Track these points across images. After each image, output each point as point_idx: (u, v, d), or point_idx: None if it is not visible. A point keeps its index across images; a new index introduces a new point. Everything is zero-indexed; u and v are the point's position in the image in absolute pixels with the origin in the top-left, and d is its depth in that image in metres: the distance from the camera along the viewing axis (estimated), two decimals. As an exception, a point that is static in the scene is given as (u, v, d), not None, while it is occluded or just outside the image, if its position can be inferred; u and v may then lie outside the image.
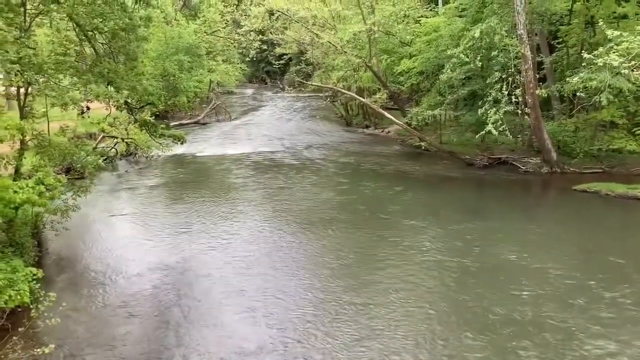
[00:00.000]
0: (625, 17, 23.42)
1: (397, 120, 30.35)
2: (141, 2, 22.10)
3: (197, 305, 11.44)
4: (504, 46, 22.94)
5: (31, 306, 8.97)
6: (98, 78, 14.78)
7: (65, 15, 14.00)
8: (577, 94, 20.80)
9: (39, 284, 9.93)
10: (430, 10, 36.43)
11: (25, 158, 13.44)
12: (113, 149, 27.78)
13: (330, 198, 20.16)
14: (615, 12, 23.43)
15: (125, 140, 27.95)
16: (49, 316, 8.29)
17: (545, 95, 22.74)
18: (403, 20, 35.16)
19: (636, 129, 22.41)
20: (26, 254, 12.69)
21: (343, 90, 39.41)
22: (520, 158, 25.18)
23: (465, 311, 10.76)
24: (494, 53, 23.06)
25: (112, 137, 28.08)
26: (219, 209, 18.82)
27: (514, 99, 21.96)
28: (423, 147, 28.37)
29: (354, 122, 43.86)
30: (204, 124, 44.58)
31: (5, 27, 11.62)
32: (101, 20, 14.30)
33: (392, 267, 13.16)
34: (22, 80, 11.90)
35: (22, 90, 13.46)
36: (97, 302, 11.64)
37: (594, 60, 17.78)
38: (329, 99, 47.29)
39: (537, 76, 23.61)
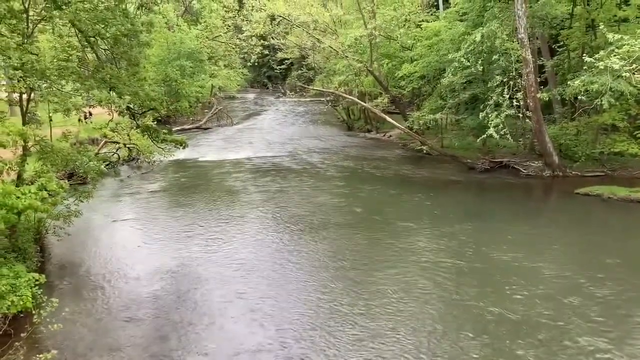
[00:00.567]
0: (625, 20, 23.46)
1: (398, 125, 30.38)
2: (143, 8, 22.21)
3: (199, 309, 11.46)
4: (505, 50, 22.99)
5: (33, 312, 8.96)
6: (100, 84, 14.83)
7: (67, 21, 14.06)
8: (579, 97, 20.83)
9: (41, 290, 9.94)
10: (431, 14, 36.51)
11: (27, 164, 13.48)
12: (115, 154, 27.84)
13: (331, 202, 20.17)
14: (615, 16, 23.48)
15: (128, 145, 27.99)
16: (51, 321, 8.30)
17: (547, 98, 22.76)
18: (404, 25, 35.24)
19: (638, 132, 22.40)
20: (29, 259, 12.73)
21: (344, 95, 39.50)
22: (522, 162, 25.16)
23: (464, 311, 10.79)
24: (495, 57, 23.09)
25: (114, 142, 28.13)
26: (220, 213, 18.85)
27: (515, 103, 21.96)
28: (425, 151, 28.36)
29: (356, 127, 43.91)
30: (205, 128, 44.69)
31: (8, 34, 11.70)
32: (103, 26, 14.37)
33: (392, 268, 13.18)
34: (25, 86, 11.95)
35: (24, 96, 13.53)
36: (99, 307, 11.65)
37: (595, 64, 17.81)
38: (330, 104, 47.40)
39: (538, 80, 23.65)
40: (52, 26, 14.70)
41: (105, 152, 26.96)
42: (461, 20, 28.86)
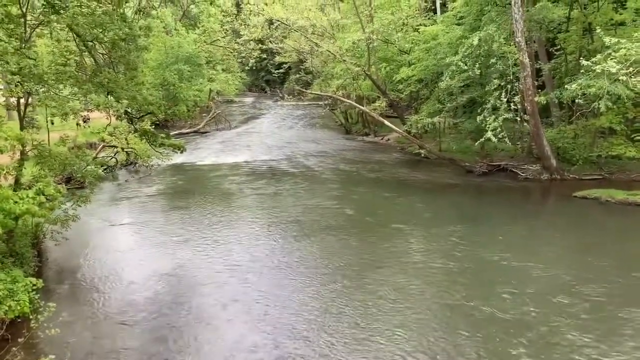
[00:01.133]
0: (622, 24, 23.54)
1: (396, 128, 30.42)
2: (141, 12, 22.26)
3: (195, 311, 11.46)
4: (503, 54, 23.04)
5: (31, 316, 8.95)
6: (98, 88, 14.84)
7: (65, 25, 14.06)
8: (576, 100, 20.87)
9: (38, 294, 9.91)
10: (429, 18, 36.62)
11: (25, 168, 13.45)
12: (113, 159, 27.82)
13: (328, 205, 20.17)
14: (612, 19, 23.55)
15: (125, 149, 28.01)
16: (48, 326, 8.26)
17: (544, 102, 22.81)
18: (402, 29, 35.33)
19: (635, 135, 22.46)
20: (26, 264, 12.69)
21: (342, 99, 39.55)
22: (520, 165, 25.20)
23: (458, 311, 10.81)
24: (493, 60, 23.15)
25: (112, 146, 28.15)
26: (218, 217, 18.84)
27: (512, 106, 22.02)
28: (422, 155, 28.42)
29: (354, 130, 43.97)
30: (204, 132, 44.70)
31: (6, 38, 11.68)
32: (101, 30, 14.36)
33: (387, 270, 13.23)
34: (22, 90, 11.94)
35: (22, 100, 13.52)
36: (97, 312, 11.61)
37: (592, 67, 17.87)
38: (328, 107, 47.43)
39: (536, 83, 23.68)
40: (50, 30, 14.68)
41: (103, 156, 27.00)
42: (459, 24, 28.94)
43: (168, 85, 35.32)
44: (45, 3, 13.50)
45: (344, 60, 35.06)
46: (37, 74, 11.82)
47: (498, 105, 22.26)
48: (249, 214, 19.26)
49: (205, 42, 46.75)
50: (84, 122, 31.33)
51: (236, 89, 58.37)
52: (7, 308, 9.07)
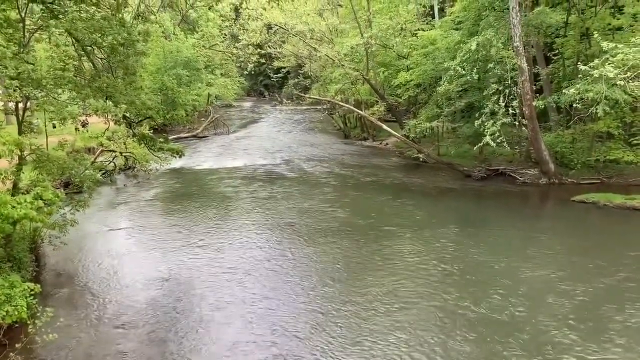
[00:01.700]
0: (620, 29, 23.64)
1: (395, 133, 30.47)
2: (140, 17, 22.30)
3: (193, 315, 11.46)
4: (501, 58, 23.10)
5: (28, 322, 8.92)
6: (97, 92, 14.83)
7: (64, 30, 14.07)
8: (574, 105, 20.91)
9: (36, 299, 9.89)
10: (427, 23, 36.72)
11: (23, 172, 13.44)
12: (111, 163, 27.80)
13: (326, 209, 20.15)
14: (610, 24, 23.67)
15: (124, 154, 27.98)
16: (46, 331, 8.25)
17: (542, 106, 22.89)
18: (400, 34, 35.42)
19: (633, 139, 22.52)
20: (24, 269, 12.65)
21: (341, 103, 39.63)
22: (518, 169, 25.24)
23: (451, 313, 10.87)
24: (491, 65, 23.22)
25: (111, 151, 28.11)
26: (216, 221, 18.83)
27: (511, 111, 22.06)
28: (421, 159, 28.41)
29: (352, 135, 44.01)
30: (202, 137, 44.70)
31: (5, 43, 11.69)
32: (100, 35, 14.38)
33: (382, 273, 13.30)
34: (21, 95, 11.94)
35: (20, 105, 13.51)
36: (95, 317, 11.57)
37: (590, 72, 17.91)
38: (327, 112, 47.53)
39: (534, 88, 23.76)
40: (49, 35, 14.70)
41: (101, 161, 26.94)
42: (457, 29, 29.02)
43: (166, 89, 35.36)
44: (44, 8, 13.54)
45: (343, 65, 35.14)
46: (35, 79, 11.82)
47: (496, 109, 22.30)
48: (246, 218, 19.24)
49: (203, 46, 46.87)
50: (83, 126, 31.46)
51: (235, 94, 58.46)
52: (4, 313, 9.05)
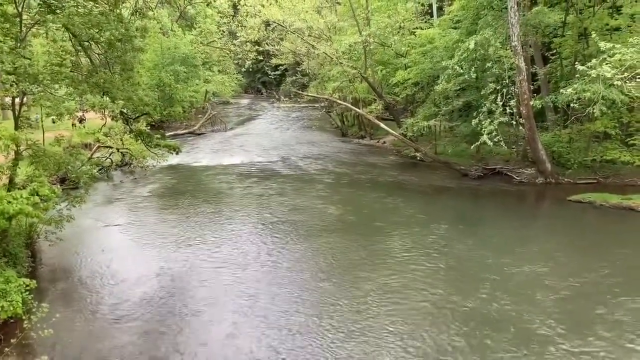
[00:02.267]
0: (617, 29, 23.68)
1: (392, 131, 30.48)
2: (137, 13, 22.21)
3: (188, 311, 11.50)
4: (498, 58, 23.12)
5: (24, 317, 8.90)
6: (94, 88, 14.80)
7: (61, 25, 14.03)
8: (571, 105, 20.94)
9: (32, 295, 9.87)
10: (425, 21, 36.73)
11: (19, 168, 13.39)
12: (108, 159, 27.71)
13: (322, 207, 20.15)
14: (608, 25, 23.70)
15: (121, 150, 27.90)
16: (41, 327, 8.22)
17: (540, 106, 22.88)
18: (398, 32, 35.38)
19: (630, 139, 22.56)
20: (19, 264, 12.63)
21: (338, 101, 39.59)
22: (515, 169, 25.27)
23: (444, 308, 10.97)
24: (489, 64, 23.22)
25: (107, 147, 28.01)
26: (211, 218, 18.85)
27: (508, 110, 22.06)
28: (418, 158, 28.43)
29: (350, 133, 43.97)
30: (199, 134, 44.62)
31: (1, 37, 11.64)
32: (97, 30, 14.34)
33: (376, 270, 13.36)
34: (17, 90, 11.89)
35: (17, 100, 13.46)
36: (90, 312, 11.57)
37: (587, 72, 17.94)
38: (324, 110, 47.47)
39: (531, 87, 23.77)
40: (46, 30, 14.66)
41: (98, 157, 26.85)
42: (455, 28, 29.03)
43: (164, 86, 35.31)
44: (41, 2, 13.48)
45: (341, 63, 35.10)
46: (32, 74, 11.78)
47: (494, 109, 22.30)
48: (241, 215, 19.26)
49: (201, 43, 46.71)
50: (80, 122, 31.33)
51: (232, 91, 58.42)
52: (-1, 309, 9.03)
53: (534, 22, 23.92)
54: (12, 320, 10.07)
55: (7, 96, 13.16)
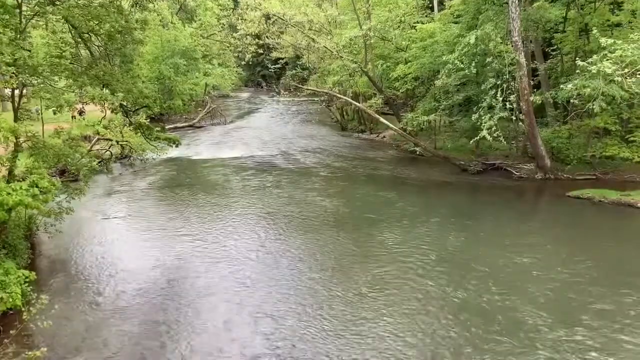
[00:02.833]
0: (618, 25, 23.63)
1: (392, 125, 30.45)
2: (137, 5, 22.13)
3: (187, 303, 11.57)
4: (499, 53, 23.06)
5: (23, 309, 8.91)
6: (93, 80, 14.77)
7: (61, 17, 13.99)
8: (571, 100, 20.94)
9: (31, 286, 9.89)
10: (426, 16, 36.59)
11: (19, 160, 13.39)
12: (108, 152, 27.70)
13: (321, 201, 20.18)
14: (609, 20, 23.64)
15: (120, 142, 27.89)
16: (41, 319, 8.24)
17: (540, 101, 22.86)
18: (399, 26, 35.30)
19: (629, 136, 22.57)
20: (19, 256, 12.65)
21: (338, 95, 39.54)
22: (514, 164, 25.30)
23: (440, 300, 11.04)
24: (489, 59, 23.17)
25: (107, 139, 28.00)
26: (210, 210, 18.87)
27: (508, 105, 22.04)
28: (418, 152, 28.45)
29: (350, 127, 43.93)
30: (199, 127, 44.55)
31: (1, 29, 11.61)
32: (97, 22, 14.31)
33: (375, 263, 13.54)
34: (17, 82, 11.88)
35: (16, 92, 13.44)
36: (90, 305, 11.61)
37: (587, 68, 17.93)
38: (324, 104, 47.39)
39: (532, 83, 23.74)
40: (46, 22, 14.61)
41: (97, 149, 26.84)
42: (456, 23, 28.96)
43: (164, 78, 35.27)
44: (41, -6, 13.42)
45: (341, 57, 35.01)
46: (32, 66, 11.76)
47: (494, 104, 22.29)
48: (240, 208, 19.31)
49: (201, 36, 46.58)
50: (79, 114, 31.30)
51: (232, 84, 58.27)
52: (-1, 300, 9.05)
53: (534, 17, 23.85)
54: (11, 312, 10.11)
55: (6, 88, 13.14)
